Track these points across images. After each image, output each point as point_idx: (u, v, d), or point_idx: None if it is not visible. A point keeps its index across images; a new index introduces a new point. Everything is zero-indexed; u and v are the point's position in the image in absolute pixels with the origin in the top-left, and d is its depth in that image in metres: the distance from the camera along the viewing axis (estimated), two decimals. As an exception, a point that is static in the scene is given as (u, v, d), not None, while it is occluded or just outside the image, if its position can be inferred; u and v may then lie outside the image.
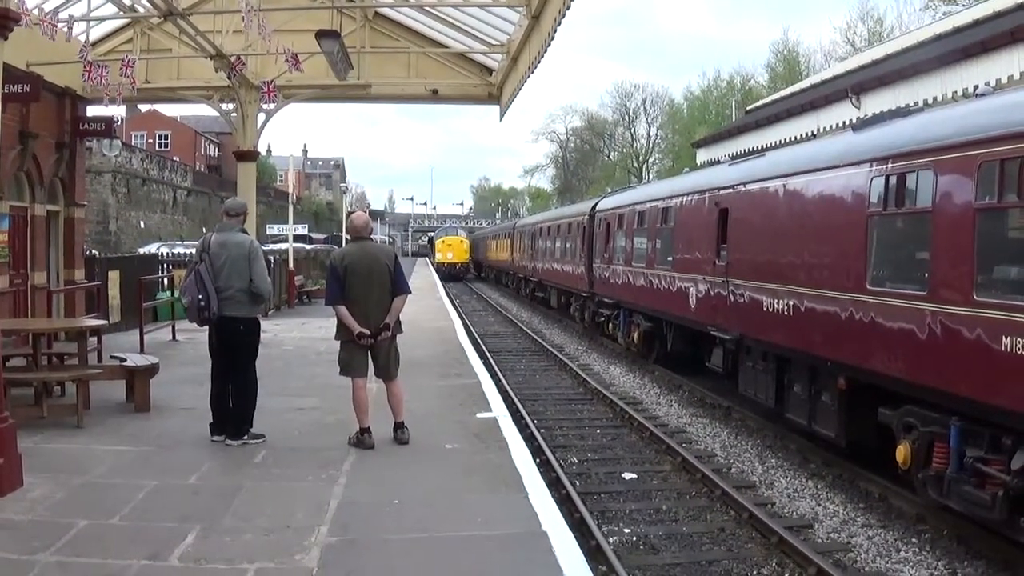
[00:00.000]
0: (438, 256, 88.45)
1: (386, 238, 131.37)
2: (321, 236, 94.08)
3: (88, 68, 19.33)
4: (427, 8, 23.43)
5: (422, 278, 63.84)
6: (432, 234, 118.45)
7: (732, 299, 17.71)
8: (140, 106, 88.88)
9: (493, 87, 25.50)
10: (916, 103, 24.03)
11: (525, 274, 52.40)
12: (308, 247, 62.23)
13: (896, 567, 10.83)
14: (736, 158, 27.16)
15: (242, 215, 12.51)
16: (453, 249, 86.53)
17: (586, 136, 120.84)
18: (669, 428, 18.16)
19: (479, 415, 14.31)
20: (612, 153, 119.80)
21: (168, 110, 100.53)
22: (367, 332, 11.69)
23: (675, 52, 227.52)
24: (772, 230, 16.17)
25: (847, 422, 13.67)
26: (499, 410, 14.88)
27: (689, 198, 21.28)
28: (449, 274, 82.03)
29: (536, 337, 34.58)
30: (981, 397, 10.21)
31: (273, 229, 66.77)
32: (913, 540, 11.61)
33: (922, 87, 26.10)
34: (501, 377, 23.28)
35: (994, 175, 10.15)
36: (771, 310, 15.80)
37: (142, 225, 70.28)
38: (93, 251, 36.90)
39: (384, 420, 12.22)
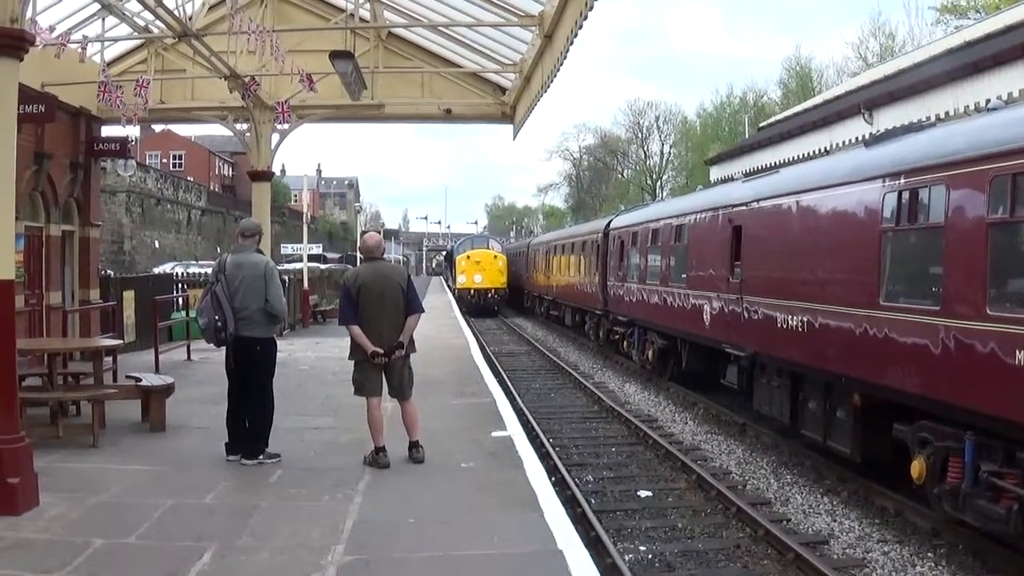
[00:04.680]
0: (460, 279, 61.91)
1: (400, 257, 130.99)
2: (335, 255, 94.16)
3: (103, 88, 19.44)
4: (440, 28, 23.50)
5: (436, 297, 63.75)
6: (451, 248, 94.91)
7: (746, 316, 17.71)
8: (154, 126, 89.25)
9: (506, 106, 25.54)
10: (928, 118, 23.96)
11: (539, 292, 52.30)
12: (322, 267, 62.27)
13: (912, 583, 10.82)
14: (749, 175, 27.16)
15: (257, 235, 12.56)
16: (483, 269, 60.64)
17: (599, 154, 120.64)
18: (684, 445, 18.15)
19: (494, 434, 14.30)
20: (625, 171, 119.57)
21: (182, 130, 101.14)
22: (381, 351, 11.71)
23: (688, 69, 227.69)
24: (786, 247, 16.19)
25: (862, 438, 13.67)
26: (514, 429, 14.85)
27: (703, 215, 21.30)
28: (477, 306, 59.28)
29: (551, 355, 34.59)
30: (995, 411, 10.21)
31: (287, 249, 66.84)
32: (929, 555, 11.60)
33: (934, 102, 26.07)
34: (516, 395, 23.26)
35: (1006, 189, 10.16)
36: (785, 327, 15.80)
37: (157, 245, 70.43)
38: (108, 271, 36.94)
39: (399, 439, 12.23)
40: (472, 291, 60.22)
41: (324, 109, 25.23)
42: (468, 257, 61.73)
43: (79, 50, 18.92)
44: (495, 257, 61.76)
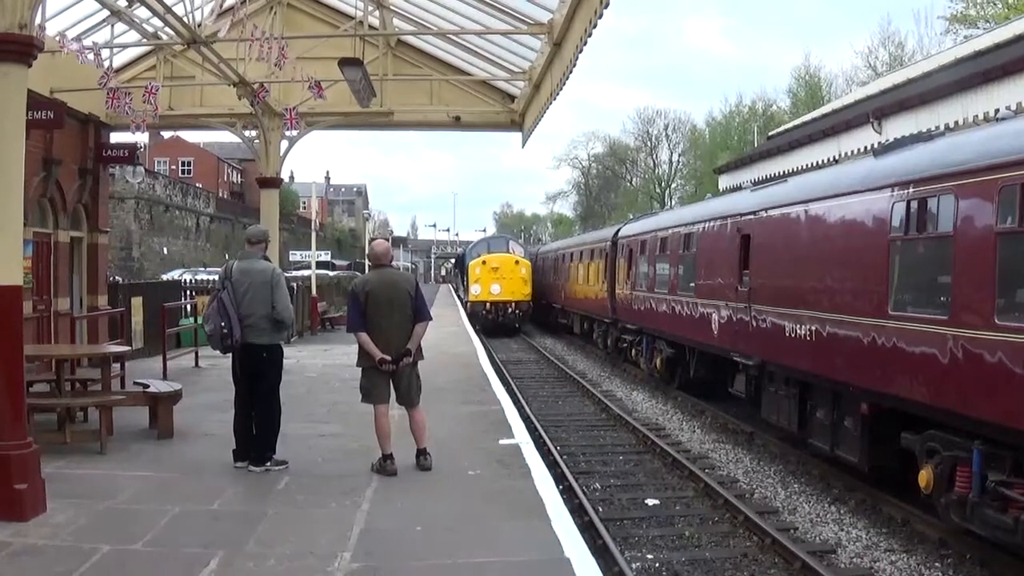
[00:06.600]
0: (474, 290, 49.40)
1: (409, 265, 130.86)
2: (344, 263, 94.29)
3: (112, 95, 19.46)
4: (450, 36, 23.52)
5: (444, 305, 63.48)
6: (462, 252, 78.71)
7: (754, 325, 17.69)
8: (163, 133, 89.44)
9: (515, 114, 25.54)
10: (937, 127, 23.98)
11: (547, 300, 51.64)
12: (331, 274, 62.33)
13: (920, 593, 10.80)
14: (758, 184, 27.15)
15: (264, 242, 12.54)
16: (502, 277, 48.54)
17: (608, 162, 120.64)
18: (692, 454, 18.15)
19: (502, 441, 14.29)
20: (634, 179, 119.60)
21: (191, 137, 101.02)
22: (388, 358, 11.69)
23: (697, 78, 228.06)
24: (794, 256, 16.18)
25: (870, 447, 13.65)
26: (522, 436, 14.85)
27: (711, 224, 21.29)
28: (495, 323, 48.11)
29: (559, 363, 34.59)
30: (1003, 421, 10.19)
31: (296, 256, 66.80)
32: (936, 564, 11.59)
33: (943, 111, 26.03)
34: (524, 403, 23.27)
35: (1015, 198, 10.15)
36: (793, 335, 15.78)
37: (165, 251, 70.48)
38: (116, 277, 37.02)
39: (407, 446, 12.22)
40: (488, 304, 48.47)
41: (333, 116, 25.22)
42: (484, 263, 49.69)
43: (92, 57, 18.93)
44: (517, 262, 49.76)
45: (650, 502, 14.77)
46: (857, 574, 11.43)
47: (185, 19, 18.16)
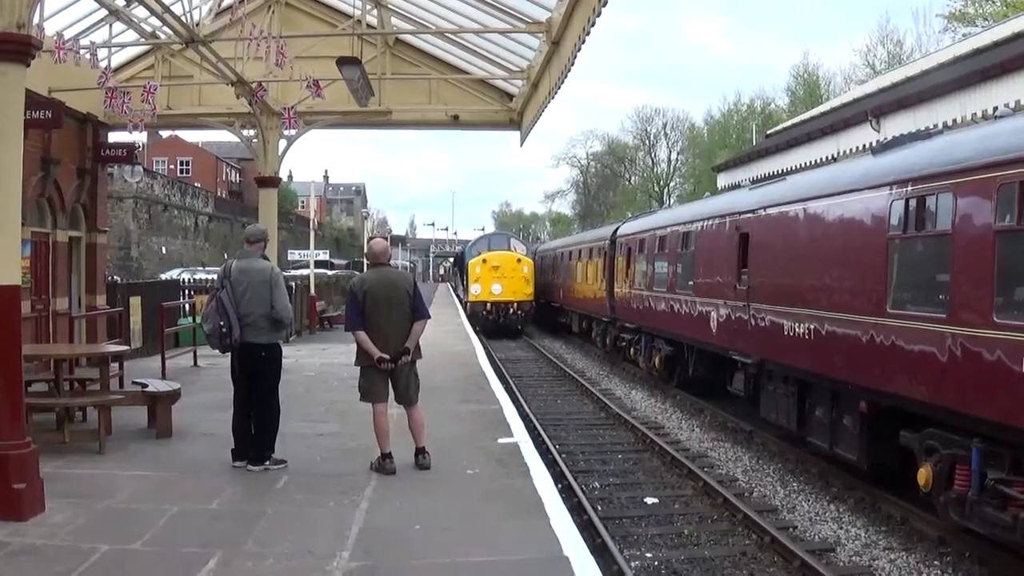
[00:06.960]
0: (474, 290, 47.64)
1: (407, 264, 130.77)
2: (342, 262, 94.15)
3: (110, 94, 19.43)
4: (448, 35, 23.50)
5: (443, 304, 63.41)
6: (461, 250, 75.57)
7: (753, 323, 17.68)
8: (161, 132, 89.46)
9: (514, 112, 25.52)
10: (936, 126, 24.00)
11: (547, 299, 50.93)
12: (329, 273, 62.25)
13: (919, 591, 10.80)
14: (757, 182, 27.13)
15: (262, 241, 12.53)
16: (503, 276, 46.91)
17: (607, 161, 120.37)
18: (691, 452, 18.14)
19: (500, 440, 14.27)
20: (633, 178, 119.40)
21: (189, 136, 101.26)
22: (387, 357, 11.68)
23: (696, 77, 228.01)
24: (793, 254, 16.17)
25: (869, 445, 13.64)
26: (521, 435, 14.82)
27: (710, 223, 21.27)
28: (496, 324, 46.44)
29: (558, 362, 34.58)
30: (1002, 419, 10.18)
31: (294, 255, 66.68)
32: (935, 563, 11.59)
33: (942, 110, 26.05)
34: (523, 402, 23.26)
35: (1013, 196, 10.14)
36: (792, 334, 15.77)
37: (164, 251, 70.42)
38: (115, 277, 36.96)
39: (405, 445, 12.20)
40: (488, 305, 46.61)
41: (331, 115, 25.19)
42: (484, 261, 47.84)
43: (89, 56, 18.91)
44: (519, 261, 48.06)
45: (649, 501, 14.76)
46: (856, 572, 11.44)
47: (183, 18, 18.18)
